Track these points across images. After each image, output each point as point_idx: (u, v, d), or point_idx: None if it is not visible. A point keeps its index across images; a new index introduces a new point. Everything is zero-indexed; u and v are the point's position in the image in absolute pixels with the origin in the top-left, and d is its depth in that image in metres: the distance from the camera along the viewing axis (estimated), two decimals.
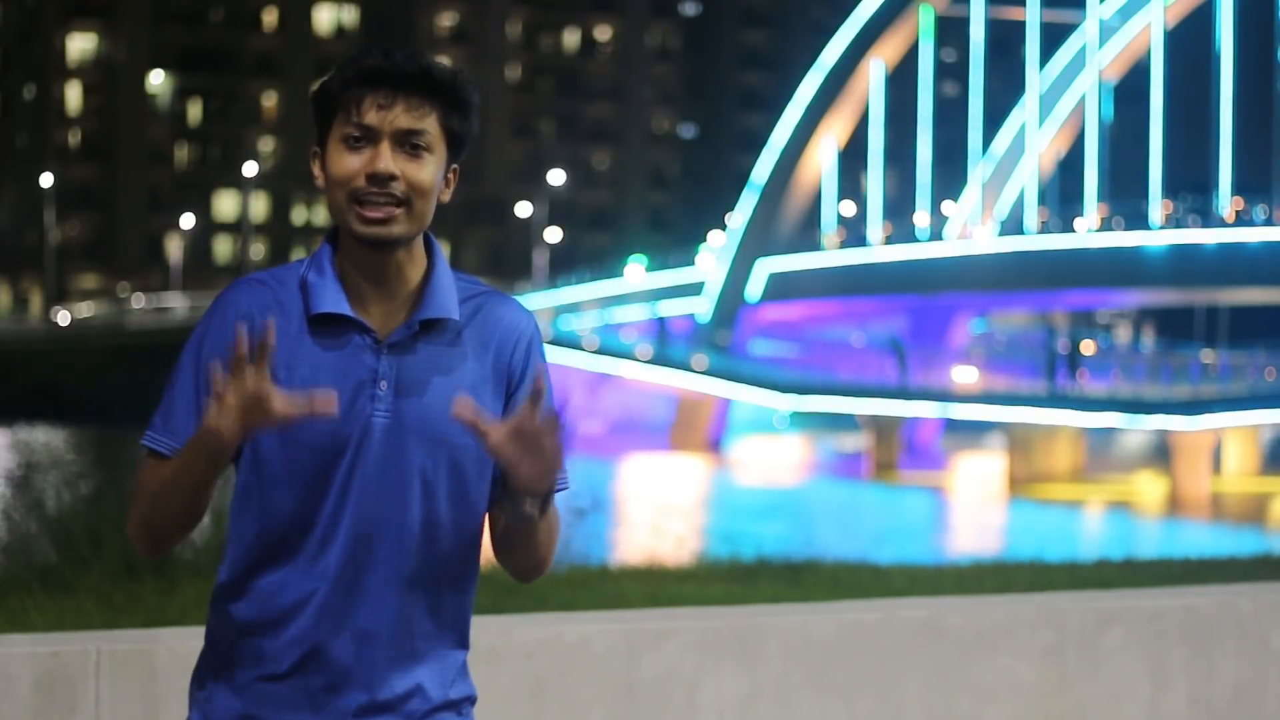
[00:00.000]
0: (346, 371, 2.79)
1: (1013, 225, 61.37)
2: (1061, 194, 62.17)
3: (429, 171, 2.79)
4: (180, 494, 2.77)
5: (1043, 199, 61.75)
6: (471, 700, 2.92)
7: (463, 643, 2.90)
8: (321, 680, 2.79)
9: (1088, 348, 58.18)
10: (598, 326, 68.31)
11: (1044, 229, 59.42)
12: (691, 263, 71.02)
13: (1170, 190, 56.54)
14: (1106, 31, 59.81)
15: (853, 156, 69.24)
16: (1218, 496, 43.27)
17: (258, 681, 2.80)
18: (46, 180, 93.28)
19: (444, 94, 2.81)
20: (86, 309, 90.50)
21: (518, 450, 2.70)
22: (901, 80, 67.04)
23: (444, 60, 2.84)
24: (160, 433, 2.82)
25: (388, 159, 2.76)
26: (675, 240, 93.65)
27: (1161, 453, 47.33)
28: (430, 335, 2.82)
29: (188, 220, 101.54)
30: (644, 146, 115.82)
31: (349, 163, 2.78)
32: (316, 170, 2.83)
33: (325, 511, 2.79)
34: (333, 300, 2.80)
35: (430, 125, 2.79)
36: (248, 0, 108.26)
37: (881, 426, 51.66)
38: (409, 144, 2.78)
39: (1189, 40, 59.51)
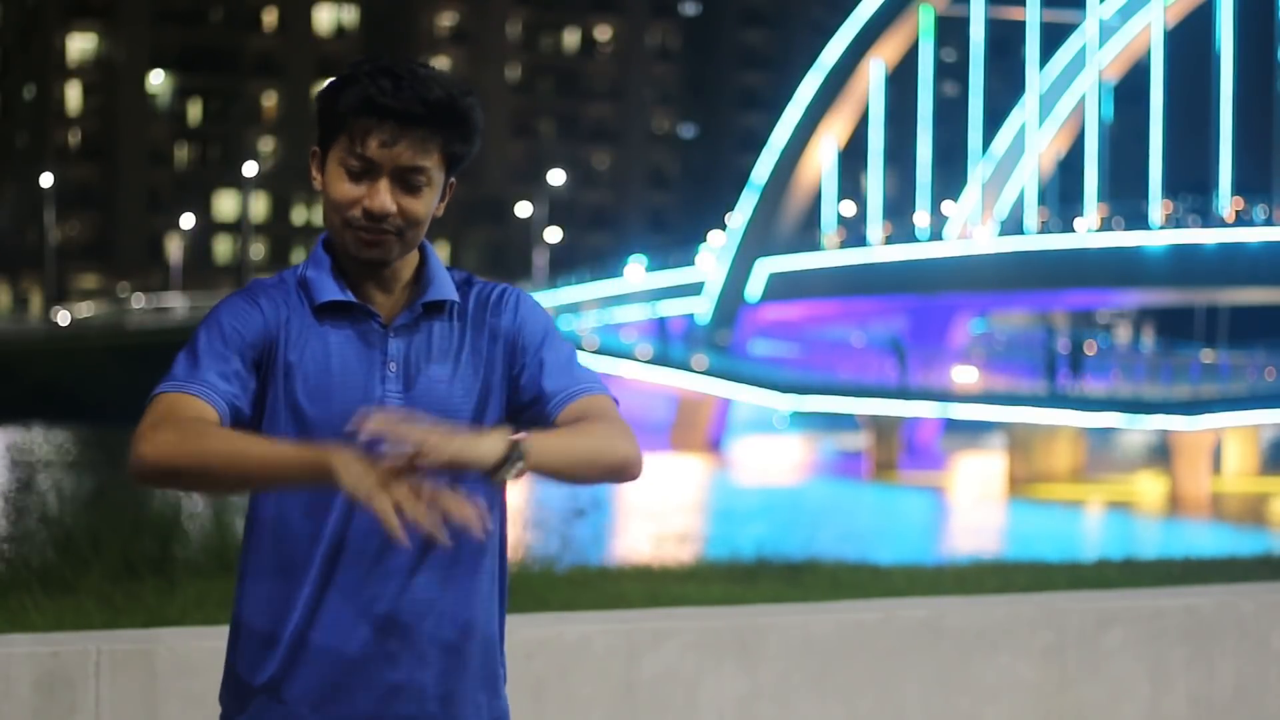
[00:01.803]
0: (356, 355, 2.82)
1: (1013, 225, 61.35)
2: (1061, 194, 62.16)
3: (425, 204, 2.82)
4: (243, 484, 2.68)
5: (1043, 199, 61.73)
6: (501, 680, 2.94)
7: (493, 624, 2.89)
8: (351, 671, 2.78)
9: (1088, 347, 58.15)
10: (598, 326, 68.30)
11: (1044, 229, 59.41)
12: (691, 263, 71.01)
13: (1170, 190, 56.51)
14: (1106, 31, 59.79)
15: (853, 156, 69.23)
16: (1218, 496, 43.24)
17: (289, 679, 2.79)
18: (46, 180, 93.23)
19: (451, 126, 2.81)
20: (86, 309, 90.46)
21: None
22: (901, 80, 67.05)
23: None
24: (184, 379, 2.73)
25: (385, 197, 2.78)
26: (675, 240, 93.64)
27: (1161, 453, 47.30)
28: (433, 317, 2.87)
29: (188, 220, 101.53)
30: (644, 146, 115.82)
31: (347, 191, 2.80)
32: (315, 172, 2.84)
33: (340, 499, 2.77)
34: (335, 289, 2.84)
35: (432, 160, 2.80)
36: (248, 0, 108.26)
37: (881, 426, 51.64)
38: (408, 179, 2.80)
39: (1189, 40, 59.51)
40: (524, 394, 2.87)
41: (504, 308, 2.90)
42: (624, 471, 2.79)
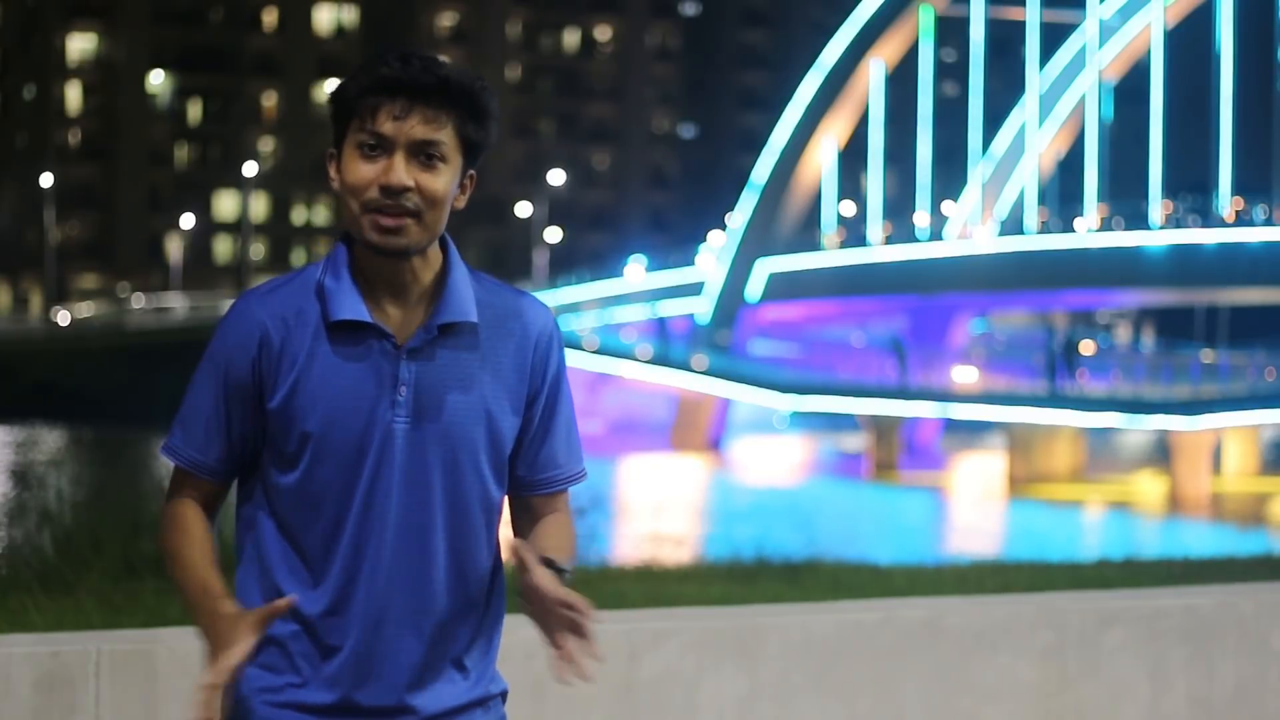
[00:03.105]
0: (366, 377, 2.78)
1: (1013, 225, 61.34)
2: (1061, 194, 62.15)
3: (443, 181, 2.78)
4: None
5: (1043, 199, 61.72)
6: (503, 694, 2.93)
7: (493, 641, 2.90)
8: (358, 688, 2.78)
9: (1087, 347, 58.10)
10: (598, 326, 68.28)
11: (1044, 229, 59.40)
12: (691, 263, 70.98)
13: (1170, 190, 56.51)
14: (1106, 31, 59.79)
15: (853, 156, 69.21)
16: (1218, 496, 43.25)
17: (292, 690, 2.80)
18: (46, 180, 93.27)
19: (462, 103, 2.79)
20: (86, 309, 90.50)
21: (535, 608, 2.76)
22: (901, 80, 67.01)
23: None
24: (180, 443, 2.84)
25: (401, 171, 2.75)
26: (675, 240, 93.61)
27: (1161, 453, 47.31)
28: (449, 338, 2.81)
29: (188, 220, 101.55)
30: (644, 146, 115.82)
31: (363, 171, 2.76)
32: (333, 173, 2.82)
33: (350, 521, 2.78)
34: (351, 306, 2.78)
35: (446, 136, 2.78)
36: (248, 0, 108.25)
37: (881, 426, 51.63)
38: (424, 154, 2.77)
39: (1189, 40, 59.50)
40: (523, 437, 2.89)
41: (535, 348, 2.87)
42: None
